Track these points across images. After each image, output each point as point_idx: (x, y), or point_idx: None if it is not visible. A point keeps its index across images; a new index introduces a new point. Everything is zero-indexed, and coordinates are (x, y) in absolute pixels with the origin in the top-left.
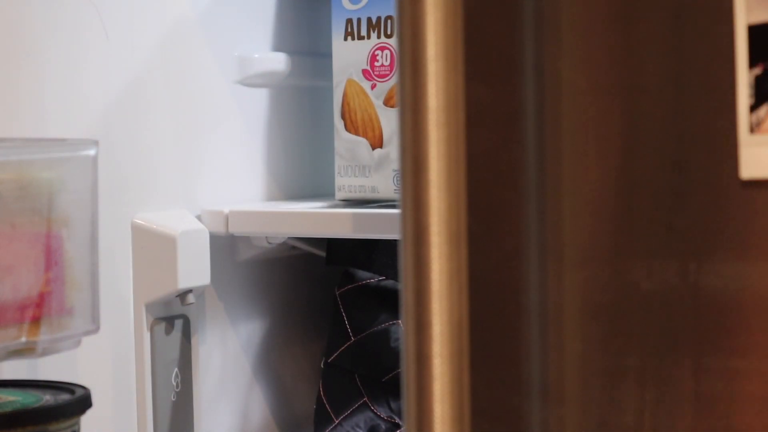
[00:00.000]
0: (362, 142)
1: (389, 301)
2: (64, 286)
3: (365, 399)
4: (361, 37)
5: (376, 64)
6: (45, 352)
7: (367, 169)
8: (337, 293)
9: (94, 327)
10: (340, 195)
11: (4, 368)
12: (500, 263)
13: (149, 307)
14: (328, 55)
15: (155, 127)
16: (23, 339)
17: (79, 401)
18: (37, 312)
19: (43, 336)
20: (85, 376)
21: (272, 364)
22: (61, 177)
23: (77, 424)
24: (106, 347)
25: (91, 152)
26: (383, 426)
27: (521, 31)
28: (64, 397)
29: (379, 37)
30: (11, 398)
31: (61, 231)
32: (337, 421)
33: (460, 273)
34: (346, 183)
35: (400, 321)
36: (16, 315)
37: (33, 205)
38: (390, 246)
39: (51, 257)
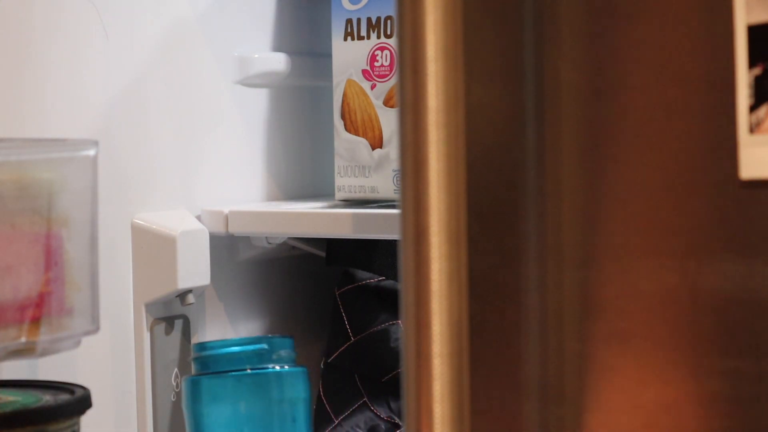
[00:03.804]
0: (362, 142)
1: (389, 301)
2: (64, 286)
3: (365, 399)
4: (360, 37)
5: (375, 64)
6: (45, 353)
7: (367, 169)
8: (336, 293)
9: (94, 327)
10: (340, 195)
11: (4, 368)
12: (500, 263)
13: (149, 307)
14: (328, 55)
15: (155, 127)
16: (23, 339)
17: (78, 401)
18: (36, 312)
19: (43, 336)
20: (85, 376)
21: None
22: (61, 177)
23: (77, 424)
24: (106, 347)
25: (91, 152)
26: (383, 426)
27: (521, 31)
28: (64, 397)
29: (379, 37)
30: (11, 398)
31: (61, 231)
32: (337, 421)
33: (460, 273)
34: (346, 183)
35: (400, 321)
36: (15, 315)
37: (33, 205)
38: (390, 246)
39: (51, 257)
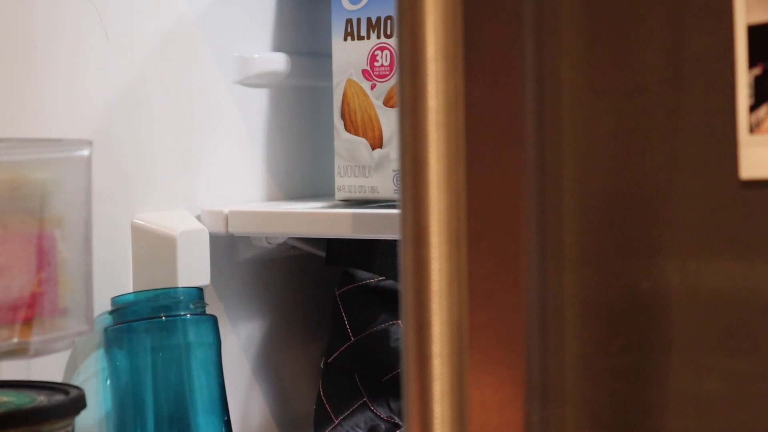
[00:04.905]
0: (362, 142)
1: (389, 301)
2: (57, 286)
3: (365, 399)
4: (361, 37)
5: (375, 64)
6: (38, 353)
7: (366, 169)
8: (336, 293)
9: (88, 328)
10: (339, 195)
11: None
12: (500, 263)
13: None
14: (328, 55)
15: (155, 127)
16: (15, 340)
17: (73, 402)
18: (29, 313)
19: (36, 337)
20: None
21: (272, 364)
22: (54, 177)
23: (71, 424)
24: None
25: (85, 153)
26: (383, 426)
27: (521, 31)
28: (59, 397)
29: (378, 37)
30: (5, 399)
31: (54, 231)
32: (337, 421)
33: (460, 273)
34: (345, 183)
35: (400, 321)
36: (7, 315)
37: (25, 205)
38: (390, 246)
39: (44, 258)
